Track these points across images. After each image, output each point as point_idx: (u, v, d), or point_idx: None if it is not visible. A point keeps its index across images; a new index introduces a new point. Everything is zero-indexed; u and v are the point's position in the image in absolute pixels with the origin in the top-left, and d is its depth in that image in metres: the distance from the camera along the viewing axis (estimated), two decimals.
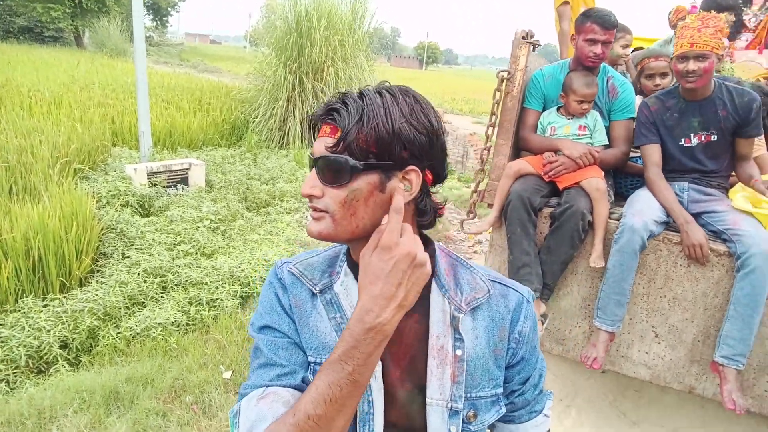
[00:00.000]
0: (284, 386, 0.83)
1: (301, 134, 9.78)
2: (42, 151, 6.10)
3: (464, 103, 24.09)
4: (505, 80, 2.68)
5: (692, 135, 2.47)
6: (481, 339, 0.91)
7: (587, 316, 2.58)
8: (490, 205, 2.76)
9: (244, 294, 4.20)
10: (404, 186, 0.82)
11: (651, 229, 2.31)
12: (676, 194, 2.47)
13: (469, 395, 0.89)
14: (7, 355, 3.19)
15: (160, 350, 3.38)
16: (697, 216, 2.40)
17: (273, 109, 9.90)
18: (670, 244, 2.38)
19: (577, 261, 2.53)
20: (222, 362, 3.26)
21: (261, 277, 4.38)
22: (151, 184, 6.36)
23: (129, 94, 10.68)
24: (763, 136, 2.67)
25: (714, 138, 2.45)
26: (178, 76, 15.38)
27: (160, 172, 6.57)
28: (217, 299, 4.00)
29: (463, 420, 0.89)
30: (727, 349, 2.22)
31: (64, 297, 3.82)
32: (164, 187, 6.44)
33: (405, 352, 0.89)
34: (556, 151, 2.60)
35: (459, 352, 0.88)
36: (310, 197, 0.84)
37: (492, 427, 1.00)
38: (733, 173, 2.58)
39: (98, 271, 4.35)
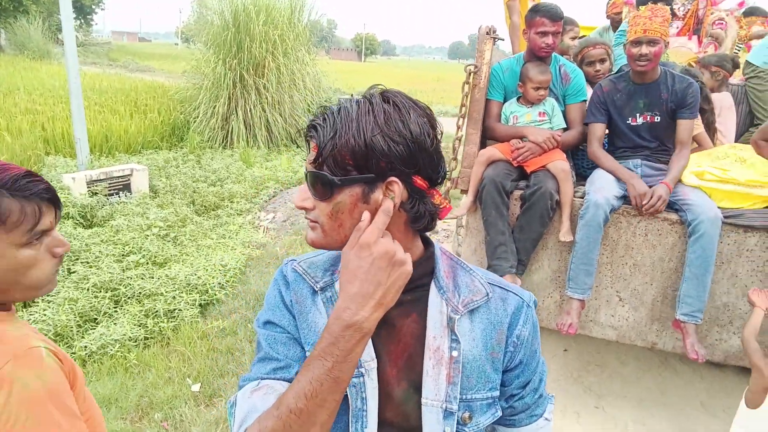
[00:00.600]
0: (278, 379, 0.85)
1: (246, 132, 9.54)
2: None
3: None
4: (472, 73, 2.82)
5: (638, 115, 2.71)
6: (478, 341, 0.91)
7: (558, 287, 2.77)
8: (463, 191, 2.91)
9: (203, 302, 4.06)
10: (390, 197, 0.81)
11: (612, 203, 2.52)
12: (630, 170, 2.68)
13: (464, 397, 0.89)
14: None
15: (120, 368, 3.23)
16: None
17: (214, 108, 9.56)
18: (629, 216, 2.59)
19: (546, 237, 2.71)
20: (188, 375, 3.15)
21: (219, 284, 4.26)
22: (92, 193, 6.02)
23: (59, 99, 10.02)
24: (700, 118, 2.90)
25: (657, 119, 2.69)
26: (109, 77, 14.55)
27: (101, 180, 6.24)
28: (175, 309, 3.85)
29: (457, 421, 0.89)
30: (686, 307, 2.45)
31: None
32: (106, 195, 6.11)
33: (402, 350, 0.89)
34: (521, 138, 2.76)
35: (455, 354, 0.88)
36: (303, 209, 0.86)
37: (491, 430, 1.00)
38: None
39: None
